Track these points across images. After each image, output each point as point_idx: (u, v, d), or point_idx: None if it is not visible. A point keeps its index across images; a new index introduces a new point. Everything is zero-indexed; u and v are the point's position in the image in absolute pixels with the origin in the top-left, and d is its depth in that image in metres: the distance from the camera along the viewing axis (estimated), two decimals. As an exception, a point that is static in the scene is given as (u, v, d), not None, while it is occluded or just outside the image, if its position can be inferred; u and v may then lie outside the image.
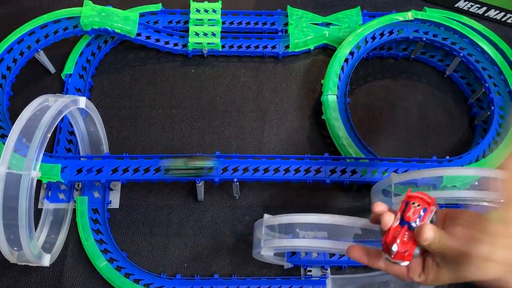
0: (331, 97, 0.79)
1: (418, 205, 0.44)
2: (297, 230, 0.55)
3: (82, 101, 0.67)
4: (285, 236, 0.56)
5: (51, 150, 0.78)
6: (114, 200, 0.77)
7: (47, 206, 0.75)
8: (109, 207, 0.76)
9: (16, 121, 0.58)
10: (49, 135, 0.59)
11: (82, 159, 0.72)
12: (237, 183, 0.73)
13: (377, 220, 0.46)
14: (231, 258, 0.74)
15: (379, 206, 0.46)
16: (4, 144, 0.71)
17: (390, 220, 0.44)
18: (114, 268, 0.70)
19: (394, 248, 0.43)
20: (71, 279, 0.71)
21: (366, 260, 0.47)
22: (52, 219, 0.75)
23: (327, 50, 0.92)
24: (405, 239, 0.44)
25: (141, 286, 0.69)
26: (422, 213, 0.44)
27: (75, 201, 0.75)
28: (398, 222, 0.44)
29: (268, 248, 0.57)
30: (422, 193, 0.45)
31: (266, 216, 0.58)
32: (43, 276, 0.71)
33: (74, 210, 0.75)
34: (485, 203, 0.58)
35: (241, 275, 0.72)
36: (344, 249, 0.52)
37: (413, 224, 0.44)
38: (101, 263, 0.70)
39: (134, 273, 0.70)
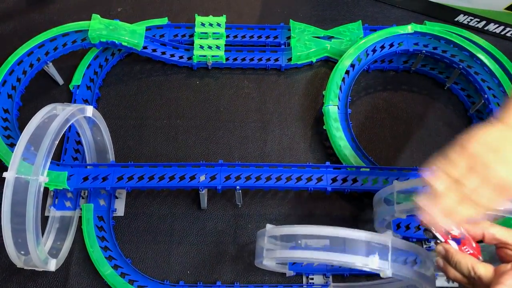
0: (332, 108, 0.81)
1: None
2: (299, 241, 0.55)
3: (89, 110, 0.69)
4: (287, 246, 0.56)
5: (58, 159, 0.80)
6: (119, 208, 0.78)
7: (54, 213, 0.77)
8: (114, 214, 0.77)
9: (25, 128, 0.60)
10: (56, 142, 0.61)
11: (88, 167, 0.74)
12: (240, 191, 0.74)
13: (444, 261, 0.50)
14: (233, 265, 0.74)
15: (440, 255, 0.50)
16: (13, 151, 0.74)
17: (453, 247, 0.49)
18: (119, 275, 0.71)
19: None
20: (76, 285, 0.72)
21: None
22: (58, 226, 0.76)
23: (329, 63, 0.93)
24: (473, 245, 0.50)
25: (145, 292, 0.70)
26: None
27: (81, 209, 0.76)
28: (457, 245, 0.49)
29: (270, 258, 0.57)
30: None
31: (268, 226, 0.59)
32: (49, 282, 0.72)
33: (80, 218, 0.76)
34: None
35: (243, 282, 0.73)
36: (346, 261, 0.52)
37: (461, 232, 0.50)
38: (106, 270, 0.71)
39: (138, 280, 0.71)
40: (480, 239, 0.50)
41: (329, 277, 0.73)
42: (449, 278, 0.49)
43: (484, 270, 0.46)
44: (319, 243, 0.54)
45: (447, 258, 0.49)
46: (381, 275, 0.51)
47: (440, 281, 0.73)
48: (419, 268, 0.53)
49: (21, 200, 0.57)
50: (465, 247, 0.49)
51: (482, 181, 0.49)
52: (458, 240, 0.50)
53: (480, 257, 0.49)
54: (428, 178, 0.50)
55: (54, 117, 0.63)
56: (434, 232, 0.49)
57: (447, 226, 0.49)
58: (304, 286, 0.72)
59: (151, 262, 0.75)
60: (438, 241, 0.50)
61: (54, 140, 0.60)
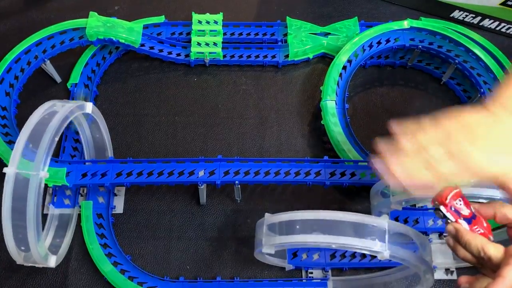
0: (329, 103, 0.81)
1: (460, 200, 0.49)
2: (298, 226, 0.56)
3: (89, 107, 0.69)
4: (286, 232, 0.56)
5: (57, 157, 0.80)
6: (118, 205, 0.78)
7: (53, 211, 0.77)
8: (113, 212, 0.77)
9: (25, 124, 0.60)
10: (57, 139, 0.61)
11: (87, 163, 0.74)
12: (239, 186, 0.74)
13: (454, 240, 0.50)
14: (233, 260, 0.75)
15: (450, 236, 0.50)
16: (11, 149, 0.74)
17: (464, 227, 0.48)
18: (118, 272, 0.71)
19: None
20: (75, 282, 0.72)
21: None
22: (57, 224, 0.76)
23: (325, 59, 0.94)
24: (484, 225, 0.49)
25: (145, 288, 0.70)
26: (462, 202, 0.49)
27: (80, 206, 0.76)
28: (467, 224, 0.49)
29: (269, 245, 0.57)
30: (446, 190, 0.49)
31: (267, 215, 0.59)
32: (48, 279, 0.72)
33: (79, 215, 0.76)
34: (482, 200, 0.59)
35: (243, 277, 0.73)
36: (344, 243, 0.53)
37: (472, 212, 0.49)
38: (106, 267, 0.71)
39: (138, 276, 0.71)
40: (491, 218, 0.50)
41: (328, 271, 0.73)
42: (458, 258, 0.49)
43: (495, 250, 0.45)
44: (318, 228, 0.54)
45: (457, 238, 0.48)
46: (379, 257, 0.51)
47: (439, 273, 0.74)
48: (417, 252, 0.54)
49: (21, 195, 0.57)
50: (475, 226, 0.49)
51: (449, 155, 0.49)
52: (469, 220, 0.49)
53: (491, 237, 0.48)
54: (397, 131, 0.51)
55: (53, 113, 0.63)
56: (445, 211, 0.49)
57: (404, 185, 0.49)
58: (303, 280, 0.72)
59: (151, 259, 0.75)
60: (449, 221, 0.49)
61: (54, 136, 0.60)
